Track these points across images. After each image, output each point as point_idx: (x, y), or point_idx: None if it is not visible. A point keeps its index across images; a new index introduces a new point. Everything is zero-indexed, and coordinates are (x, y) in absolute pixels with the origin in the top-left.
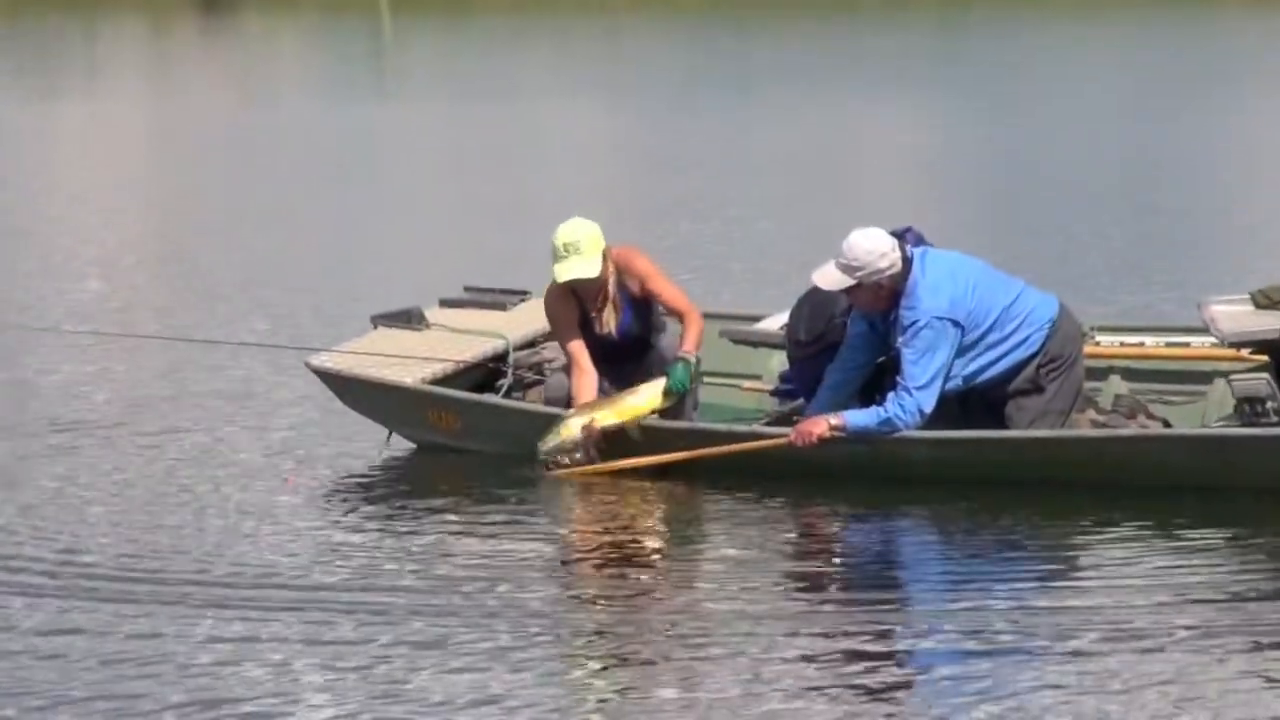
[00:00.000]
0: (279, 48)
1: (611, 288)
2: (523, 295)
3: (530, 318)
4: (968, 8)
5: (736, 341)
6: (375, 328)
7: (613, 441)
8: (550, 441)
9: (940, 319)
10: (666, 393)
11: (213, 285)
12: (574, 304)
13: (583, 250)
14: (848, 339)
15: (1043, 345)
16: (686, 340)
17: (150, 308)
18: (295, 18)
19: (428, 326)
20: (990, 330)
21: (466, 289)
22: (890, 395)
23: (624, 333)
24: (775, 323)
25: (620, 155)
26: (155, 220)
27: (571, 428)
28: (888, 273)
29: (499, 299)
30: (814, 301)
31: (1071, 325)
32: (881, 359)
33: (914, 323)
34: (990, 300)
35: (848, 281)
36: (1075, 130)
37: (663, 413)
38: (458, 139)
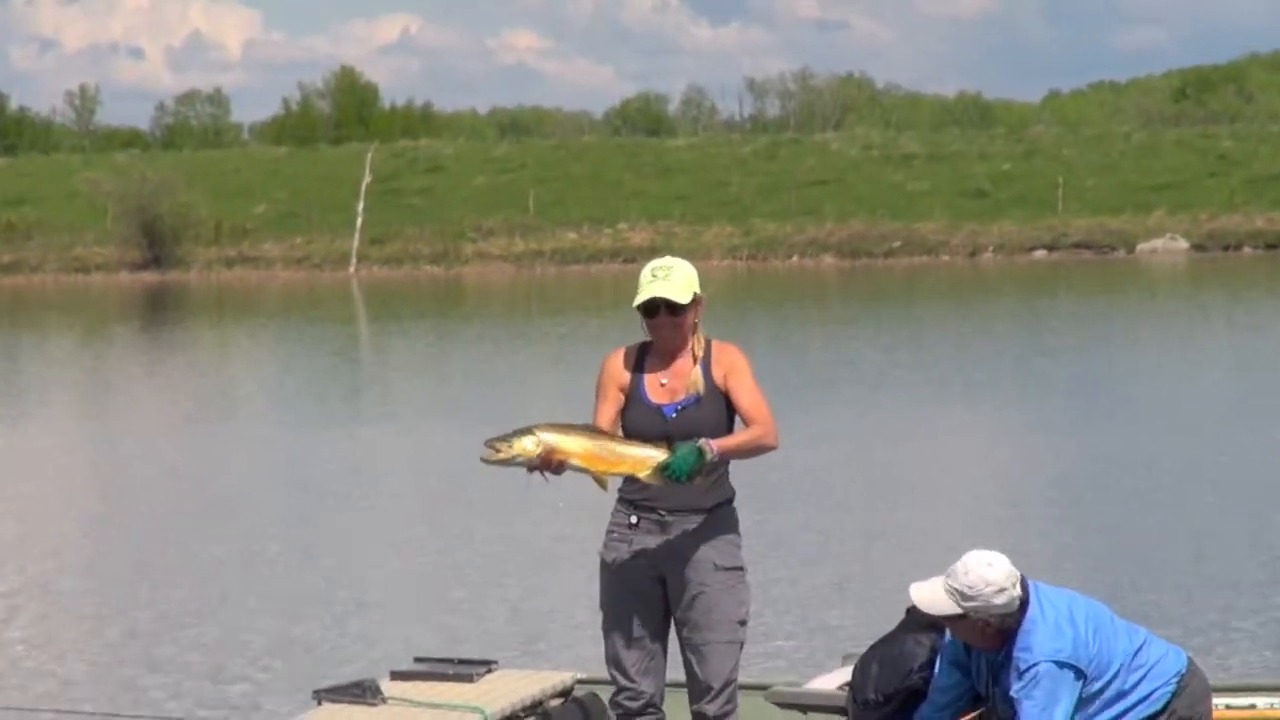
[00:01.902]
0: (234, 358)
1: (696, 351)
2: (489, 665)
3: (506, 689)
4: (1052, 296)
5: (784, 706)
6: (319, 703)
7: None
8: (501, 446)
9: (1062, 665)
10: (659, 468)
11: (135, 650)
12: (629, 367)
13: (673, 278)
14: (935, 691)
15: (1168, 703)
16: (729, 437)
17: (63, 676)
18: (252, 322)
19: (384, 700)
20: (1111, 682)
21: (418, 660)
22: None
23: (685, 410)
24: (829, 682)
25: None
26: (75, 568)
27: (528, 446)
28: (1000, 611)
29: (462, 670)
30: (885, 656)
31: (1200, 683)
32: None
33: (1033, 668)
34: (1112, 647)
35: (953, 610)
36: (1174, 443)
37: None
38: (428, 472)
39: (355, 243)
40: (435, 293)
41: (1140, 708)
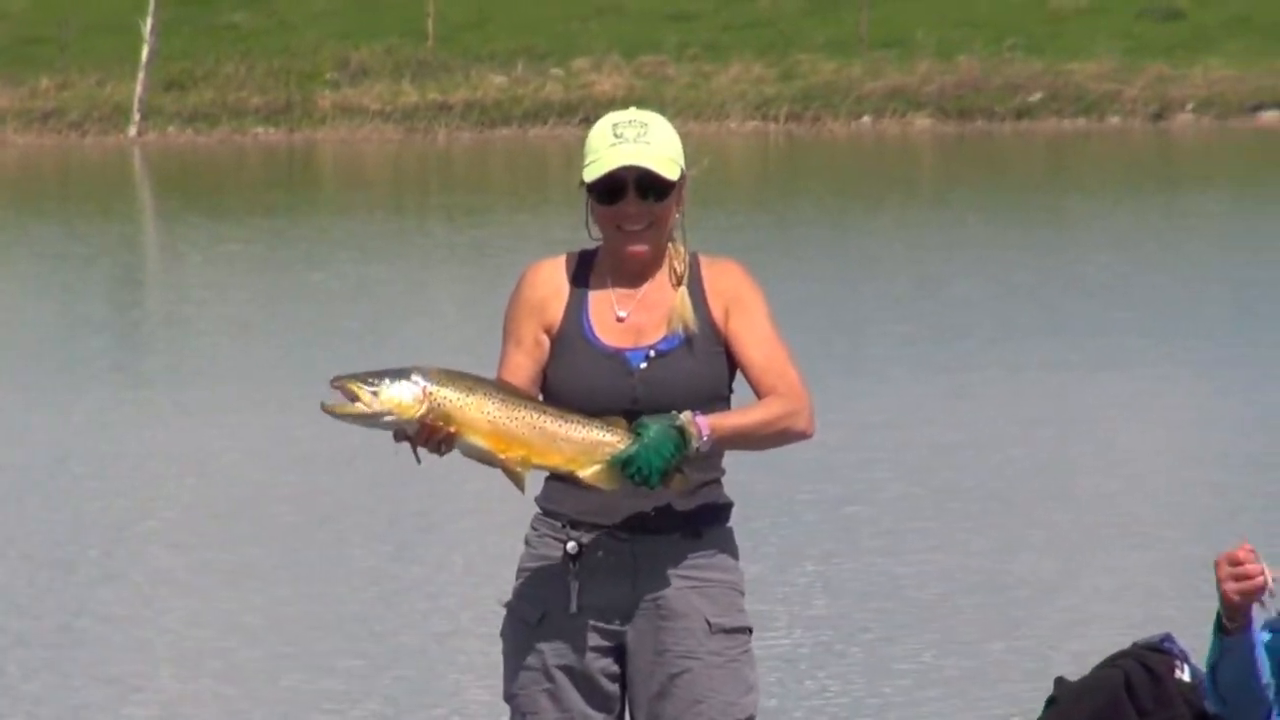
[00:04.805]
0: None
1: (677, 267)
2: None
3: None
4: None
5: None
6: None
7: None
8: (361, 392)
9: None
10: (616, 463)
11: None
12: (565, 288)
13: (650, 139)
14: None
15: None
16: (728, 413)
17: None
18: None
19: None
20: None
21: None
22: None
23: (663, 359)
24: None
25: None
26: None
27: (406, 399)
28: None
29: None
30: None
31: None
32: None
33: None
34: None
35: None
36: None
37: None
38: (243, 468)
39: (139, 89)
40: (270, 172)
41: None
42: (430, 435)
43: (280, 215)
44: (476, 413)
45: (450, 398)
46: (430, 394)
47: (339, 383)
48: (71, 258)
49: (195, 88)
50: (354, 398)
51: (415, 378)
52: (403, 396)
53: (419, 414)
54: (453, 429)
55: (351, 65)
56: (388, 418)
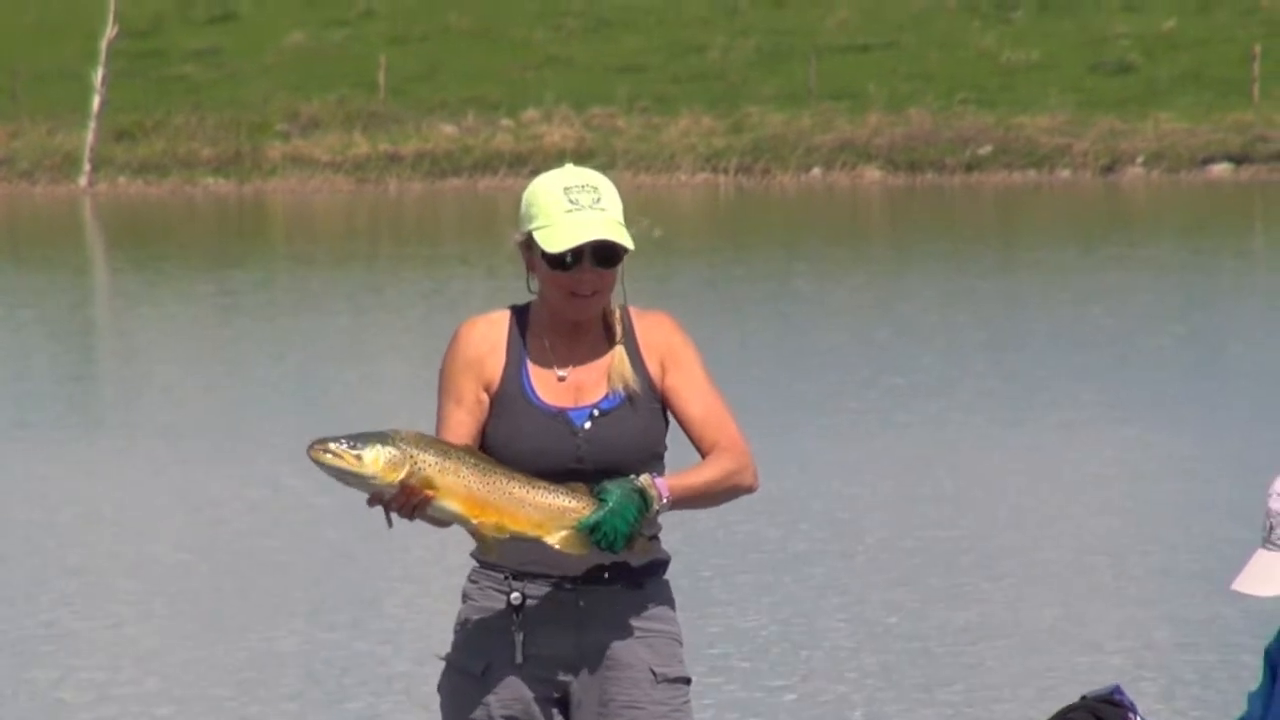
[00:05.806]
0: None
1: (613, 324)
2: None
3: None
4: (1243, 239)
5: None
6: None
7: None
8: (344, 454)
9: None
10: (584, 529)
11: None
12: (503, 347)
13: (605, 204)
14: None
15: None
16: (682, 473)
17: None
18: None
19: None
20: None
21: None
22: None
23: (606, 418)
24: None
25: None
26: None
27: (386, 463)
28: None
29: None
30: None
31: None
32: None
33: None
34: None
35: None
36: None
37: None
38: (188, 529)
39: (90, 139)
40: (220, 223)
41: None
42: (408, 499)
43: (231, 266)
44: (454, 478)
45: (430, 462)
46: (412, 458)
47: (321, 445)
48: (20, 306)
49: (146, 138)
50: (337, 456)
51: (396, 442)
52: (385, 460)
53: (400, 477)
54: (430, 493)
55: (302, 116)
56: (372, 479)
